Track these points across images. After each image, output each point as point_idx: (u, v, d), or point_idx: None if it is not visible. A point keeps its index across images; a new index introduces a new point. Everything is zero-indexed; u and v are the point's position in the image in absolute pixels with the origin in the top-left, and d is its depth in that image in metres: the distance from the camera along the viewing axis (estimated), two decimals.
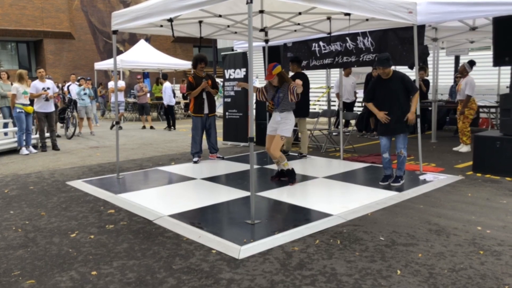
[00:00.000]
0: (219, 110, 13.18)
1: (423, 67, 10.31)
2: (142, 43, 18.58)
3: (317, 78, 15.17)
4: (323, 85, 14.43)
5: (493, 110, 10.58)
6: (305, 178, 6.19)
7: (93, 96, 12.98)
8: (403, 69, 6.59)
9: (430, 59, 10.63)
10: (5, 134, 10.06)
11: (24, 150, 9.00)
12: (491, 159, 6.16)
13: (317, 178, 6.16)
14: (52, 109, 9.47)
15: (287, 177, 5.90)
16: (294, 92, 5.52)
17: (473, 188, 5.54)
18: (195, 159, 7.56)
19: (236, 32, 7.70)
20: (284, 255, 3.48)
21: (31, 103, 9.20)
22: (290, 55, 8.20)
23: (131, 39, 24.79)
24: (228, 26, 7.16)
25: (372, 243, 3.70)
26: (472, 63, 8.15)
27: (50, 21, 23.19)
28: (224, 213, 4.61)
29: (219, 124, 9.88)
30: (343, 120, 9.51)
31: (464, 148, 8.10)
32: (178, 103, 17.92)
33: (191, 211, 4.68)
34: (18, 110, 8.91)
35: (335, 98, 10.93)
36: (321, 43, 7.64)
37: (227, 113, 9.72)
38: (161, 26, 6.53)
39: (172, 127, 13.49)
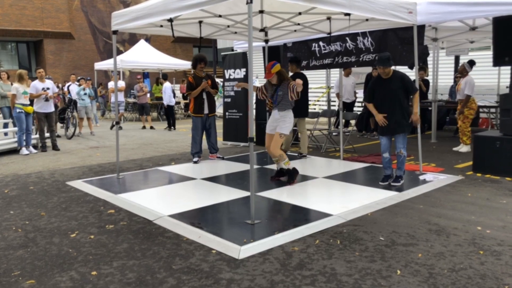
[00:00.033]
0: (219, 110, 13.19)
1: (423, 67, 10.31)
2: (142, 43, 18.58)
3: (317, 78, 15.18)
4: (323, 85, 14.44)
5: (493, 110, 10.58)
6: (305, 178, 6.19)
7: (93, 96, 12.99)
8: (403, 69, 6.59)
9: (430, 59, 10.63)
10: (5, 134, 10.07)
11: (24, 150, 9.00)
12: (491, 159, 6.16)
13: (317, 178, 6.16)
14: (52, 109, 9.47)
15: (287, 176, 5.88)
16: (294, 90, 5.51)
17: (473, 188, 5.54)
18: (195, 159, 7.56)
19: (236, 32, 7.70)
20: (284, 255, 3.48)
21: (31, 103, 9.20)
22: (290, 55, 8.20)
23: (131, 39, 24.79)
24: (228, 26, 7.16)
25: (372, 243, 3.70)
26: (472, 63, 8.15)
27: (50, 21, 23.19)
28: (224, 213, 4.61)
29: (219, 124, 9.88)
30: (343, 120, 9.51)
31: (464, 148, 8.10)
32: (178, 103, 17.92)
33: (191, 211, 4.69)
34: (18, 110, 8.92)
35: (335, 98, 10.93)
36: (321, 43, 7.64)
37: (227, 113, 9.72)
38: (161, 26, 6.53)
39: (172, 127, 13.49)
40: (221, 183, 5.98)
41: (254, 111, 9.46)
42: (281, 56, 8.54)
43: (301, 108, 7.43)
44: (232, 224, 4.25)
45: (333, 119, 11.03)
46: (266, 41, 8.28)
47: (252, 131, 4.35)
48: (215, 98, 7.72)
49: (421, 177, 6.04)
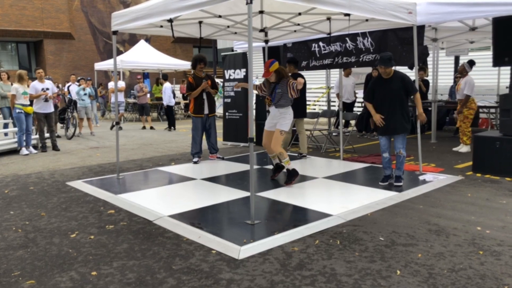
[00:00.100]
0: (219, 110, 13.19)
1: (423, 67, 10.32)
2: (142, 43, 18.59)
3: (317, 79, 15.19)
4: (323, 85, 14.44)
5: (493, 110, 10.59)
6: (305, 178, 6.19)
7: (94, 95, 12.99)
8: (403, 69, 6.60)
9: (430, 60, 10.65)
10: (5, 134, 10.07)
11: (24, 151, 9.01)
12: (491, 159, 6.16)
13: (317, 178, 6.16)
14: (51, 109, 9.48)
15: (286, 175, 5.84)
16: (295, 87, 5.51)
17: (473, 188, 5.54)
18: (195, 159, 7.56)
19: (236, 33, 7.71)
20: (284, 255, 3.48)
21: (31, 104, 9.20)
22: (290, 56, 8.20)
23: (131, 40, 24.80)
24: (228, 26, 7.17)
25: (372, 243, 3.70)
26: (471, 63, 8.16)
27: (50, 21, 23.20)
28: (224, 214, 4.61)
29: (219, 124, 9.89)
30: (343, 121, 9.52)
31: (464, 148, 8.10)
32: (178, 103, 17.93)
33: (191, 211, 4.69)
34: (17, 110, 8.92)
35: (335, 99, 10.94)
36: (321, 44, 7.64)
37: (227, 114, 9.72)
38: (161, 26, 6.53)
39: (172, 128, 13.50)
40: (221, 184, 5.99)
41: (254, 111, 9.47)
42: (281, 56, 8.54)
43: (299, 109, 7.43)
44: (232, 224, 4.25)
45: (333, 120, 11.03)
46: (266, 41, 8.29)
47: (252, 131, 4.35)
48: (215, 98, 7.72)
49: (421, 177, 6.05)
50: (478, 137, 6.31)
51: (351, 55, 7.17)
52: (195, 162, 7.53)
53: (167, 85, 13.62)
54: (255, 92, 6.22)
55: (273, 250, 3.61)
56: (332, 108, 11.11)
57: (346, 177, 6.22)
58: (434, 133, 9.50)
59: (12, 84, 9.59)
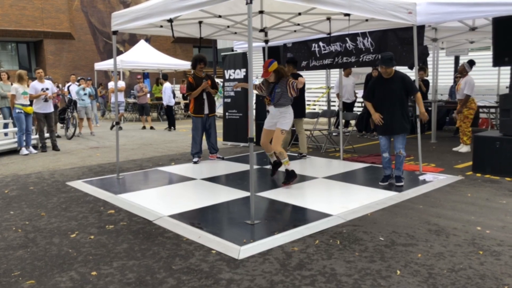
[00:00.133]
0: (219, 110, 13.19)
1: (423, 67, 10.32)
2: (142, 43, 18.59)
3: (317, 78, 15.19)
4: (323, 85, 14.44)
5: (493, 110, 10.59)
6: (305, 178, 6.19)
7: (94, 95, 12.99)
8: (403, 69, 6.59)
9: (430, 60, 10.64)
10: (5, 134, 10.08)
11: (24, 151, 9.01)
12: (490, 159, 6.16)
13: (317, 178, 6.16)
14: (51, 109, 9.48)
15: (284, 175, 5.84)
16: (295, 87, 5.50)
17: (473, 188, 5.54)
18: (195, 159, 7.56)
19: (236, 33, 7.71)
20: (283, 255, 3.49)
21: (31, 104, 9.21)
22: (289, 56, 8.20)
23: (131, 40, 24.80)
24: (228, 26, 7.17)
25: (372, 243, 3.70)
26: (471, 63, 8.16)
27: (50, 21, 23.20)
28: (224, 214, 4.61)
29: (219, 124, 9.89)
30: (343, 121, 9.51)
31: (464, 148, 8.10)
32: (178, 103, 17.93)
33: (191, 211, 4.69)
34: (17, 110, 8.92)
35: (335, 99, 10.94)
36: (321, 44, 7.64)
37: (227, 114, 9.72)
38: (161, 26, 6.53)
39: (172, 128, 13.50)
40: (221, 183, 5.99)
41: (254, 111, 9.47)
42: (281, 56, 8.54)
43: (298, 109, 7.40)
44: (232, 224, 4.25)
45: (333, 119, 11.03)
46: (266, 41, 8.28)
47: (252, 132, 4.35)
48: (215, 98, 7.72)
49: (421, 177, 6.05)
50: (478, 137, 6.31)
51: (351, 55, 7.17)
52: (195, 162, 7.53)
53: (167, 85, 13.62)
54: (255, 92, 6.21)
55: (273, 250, 3.61)
56: (332, 108, 11.11)
57: (346, 177, 6.22)
58: (434, 133, 9.50)
59: (12, 84, 9.59)
